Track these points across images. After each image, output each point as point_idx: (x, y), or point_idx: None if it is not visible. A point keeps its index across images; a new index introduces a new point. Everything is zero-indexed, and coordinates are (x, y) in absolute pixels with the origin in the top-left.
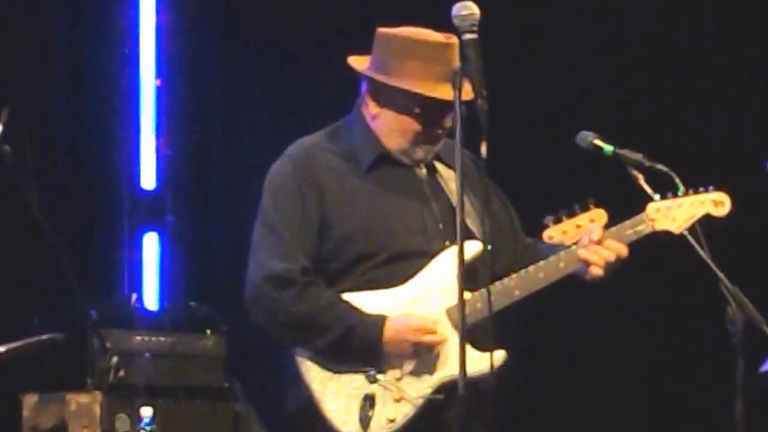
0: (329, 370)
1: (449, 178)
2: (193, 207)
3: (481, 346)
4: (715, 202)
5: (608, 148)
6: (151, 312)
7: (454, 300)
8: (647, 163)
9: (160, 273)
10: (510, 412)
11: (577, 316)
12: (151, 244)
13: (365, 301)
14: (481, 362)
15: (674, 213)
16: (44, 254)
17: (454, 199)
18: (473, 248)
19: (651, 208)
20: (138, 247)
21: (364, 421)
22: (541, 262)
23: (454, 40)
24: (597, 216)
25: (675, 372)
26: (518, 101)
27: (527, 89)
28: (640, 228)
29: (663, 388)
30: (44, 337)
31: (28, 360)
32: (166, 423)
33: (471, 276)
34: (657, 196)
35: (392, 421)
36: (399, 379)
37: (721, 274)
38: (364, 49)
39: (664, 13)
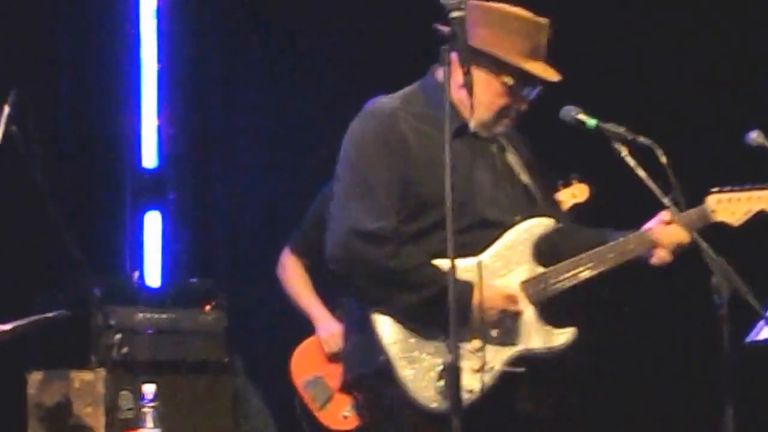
0: (412, 333)
1: (514, 156)
2: (194, 185)
3: (554, 323)
4: None
5: (591, 121)
6: (153, 289)
7: (528, 274)
8: (630, 136)
9: (163, 250)
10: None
11: None
12: (153, 222)
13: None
14: (553, 338)
15: (734, 206)
16: (48, 233)
17: (523, 177)
18: (546, 224)
19: (712, 199)
20: (140, 225)
21: (443, 390)
22: (611, 243)
23: (547, 21)
24: (579, 191)
25: (660, 342)
26: None
27: None
28: (703, 217)
29: (648, 359)
30: (49, 314)
31: (33, 338)
32: (168, 398)
33: (544, 252)
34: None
35: (471, 391)
36: (479, 350)
37: (705, 245)
38: (365, 30)
39: None
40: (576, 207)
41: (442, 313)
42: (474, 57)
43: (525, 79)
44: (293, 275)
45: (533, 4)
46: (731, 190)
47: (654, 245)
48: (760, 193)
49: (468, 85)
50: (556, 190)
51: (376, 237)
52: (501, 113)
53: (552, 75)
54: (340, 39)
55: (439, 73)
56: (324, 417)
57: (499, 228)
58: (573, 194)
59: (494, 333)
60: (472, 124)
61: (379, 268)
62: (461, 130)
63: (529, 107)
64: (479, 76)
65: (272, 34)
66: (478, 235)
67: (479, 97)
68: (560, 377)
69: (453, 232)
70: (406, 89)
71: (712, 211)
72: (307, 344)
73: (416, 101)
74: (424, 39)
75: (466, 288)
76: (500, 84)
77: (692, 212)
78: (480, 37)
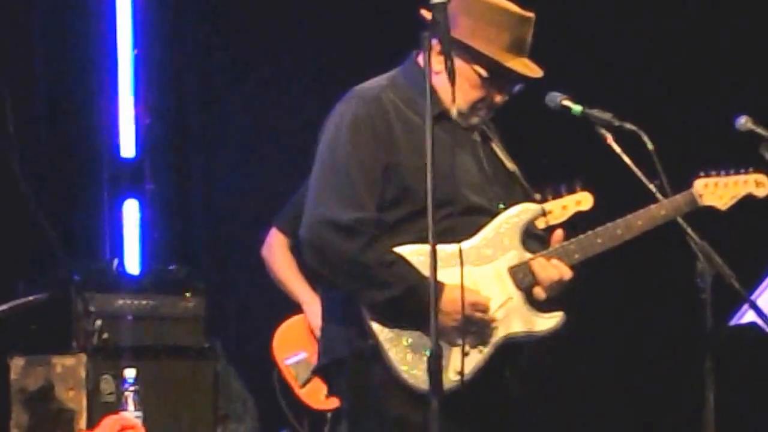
0: (388, 322)
1: (497, 145)
2: (172, 174)
3: (542, 308)
4: (757, 183)
5: (577, 108)
6: (133, 276)
7: (517, 259)
8: (616, 123)
9: (141, 238)
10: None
11: None
12: (131, 210)
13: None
14: (539, 323)
15: (720, 191)
16: (27, 221)
17: (508, 164)
18: (535, 210)
19: (699, 184)
20: (119, 214)
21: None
22: (619, 220)
23: (532, 15)
24: (583, 199)
25: (644, 326)
26: None
27: None
28: (691, 202)
29: (632, 343)
30: (30, 297)
31: (15, 324)
32: (149, 383)
33: (530, 236)
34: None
35: (460, 373)
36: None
37: (689, 230)
38: (347, 20)
39: None
40: (579, 215)
41: (408, 312)
42: (452, 46)
43: (501, 72)
44: (279, 257)
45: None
46: (718, 175)
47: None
48: (746, 176)
49: (450, 73)
50: (560, 196)
51: (348, 229)
52: (476, 105)
53: (532, 71)
54: (321, 28)
55: (420, 59)
56: (305, 395)
57: (484, 213)
58: (577, 201)
59: (461, 334)
60: (453, 112)
61: (348, 260)
62: (441, 116)
63: (507, 102)
64: (456, 65)
65: (251, 22)
66: (463, 220)
67: (456, 87)
68: (541, 357)
69: (436, 219)
70: (390, 73)
71: (700, 196)
72: (292, 322)
73: (400, 85)
74: (409, 30)
75: (437, 289)
76: (475, 75)
77: (679, 197)
78: (461, 27)
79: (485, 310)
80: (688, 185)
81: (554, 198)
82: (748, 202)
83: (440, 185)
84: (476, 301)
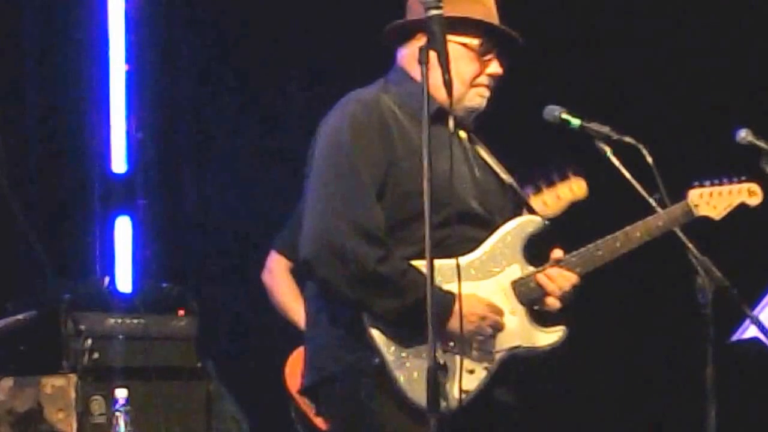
0: (395, 339)
1: (486, 153)
2: (163, 191)
3: (544, 323)
4: (750, 192)
5: (575, 121)
6: (124, 294)
7: (520, 273)
8: (615, 136)
9: (133, 256)
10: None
11: None
12: (123, 227)
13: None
14: (541, 338)
15: (715, 200)
16: (17, 239)
17: (503, 175)
18: (537, 223)
19: (693, 194)
20: (110, 231)
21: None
22: (618, 233)
23: None
24: (577, 186)
25: (645, 342)
26: None
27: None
28: (686, 213)
29: (633, 359)
30: (19, 316)
31: (4, 343)
32: (140, 404)
33: (531, 250)
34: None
35: (466, 391)
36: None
37: (690, 244)
38: (342, 40)
39: None
40: (575, 204)
41: (418, 322)
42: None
43: (490, 34)
44: (280, 281)
45: (519, 6)
46: (712, 184)
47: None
48: (739, 186)
49: (443, 61)
50: (552, 184)
51: (371, 235)
52: (473, 82)
53: (513, 33)
54: (316, 46)
55: (404, 60)
56: (321, 422)
57: (481, 220)
58: (571, 189)
59: (469, 344)
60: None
61: (367, 269)
62: (439, 113)
63: (501, 79)
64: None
65: (244, 36)
66: (460, 227)
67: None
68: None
69: (433, 227)
70: (379, 81)
71: (695, 206)
72: (301, 351)
73: (391, 91)
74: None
75: (448, 299)
76: (465, 49)
77: (675, 208)
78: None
79: (501, 312)
80: (683, 196)
81: (548, 187)
82: (748, 214)
83: (438, 191)
84: (492, 304)
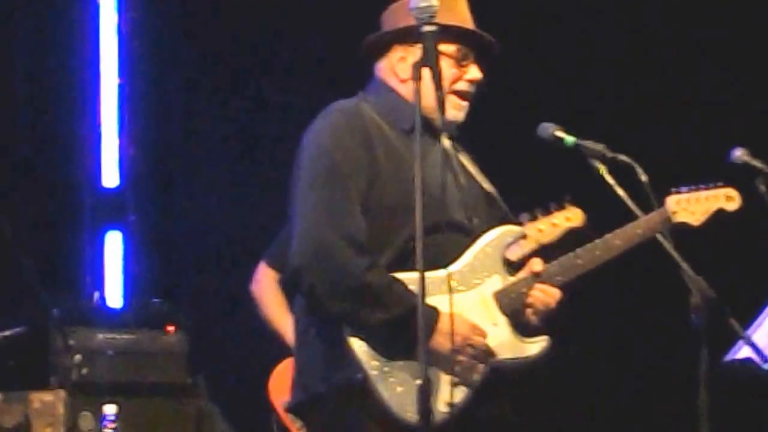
0: (377, 351)
1: (468, 162)
2: (155, 205)
3: (527, 333)
4: (727, 197)
5: (569, 139)
6: (114, 309)
7: (501, 284)
8: (609, 154)
9: (124, 271)
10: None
11: None
12: (113, 242)
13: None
14: (524, 348)
15: (693, 206)
16: (6, 253)
17: (485, 185)
18: (516, 233)
19: (671, 200)
20: (101, 246)
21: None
22: (597, 241)
23: None
24: (573, 214)
25: (639, 361)
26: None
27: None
28: (665, 219)
29: (627, 379)
30: (7, 332)
31: None
32: (129, 420)
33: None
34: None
35: (451, 405)
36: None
37: (684, 264)
38: (324, 45)
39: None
40: (571, 232)
41: (404, 336)
42: (408, 37)
43: (465, 43)
44: (268, 292)
45: (512, 23)
46: (689, 191)
47: None
48: (716, 191)
49: (437, 79)
50: (549, 213)
51: (358, 244)
52: (454, 86)
53: (488, 37)
54: (308, 60)
55: (382, 72)
56: None
57: (463, 230)
58: (567, 218)
59: (457, 358)
60: (429, 114)
61: (354, 280)
62: (423, 122)
63: (481, 87)
64: (420, 55)
65: (236, 52)
66: (442, 237)
67: (426, 83)
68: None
69: (411, 237)
70: (359, 94)
71: (673, 213)
72: (287, 363)
73: (371, 101)
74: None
75: (432, 314)
76: (443, 56)
77: (654, 215)
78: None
79: (484, 335)
80: (660, 203)
81: (544, 216)
82: (746, 232)
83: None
84: (475, 324)
